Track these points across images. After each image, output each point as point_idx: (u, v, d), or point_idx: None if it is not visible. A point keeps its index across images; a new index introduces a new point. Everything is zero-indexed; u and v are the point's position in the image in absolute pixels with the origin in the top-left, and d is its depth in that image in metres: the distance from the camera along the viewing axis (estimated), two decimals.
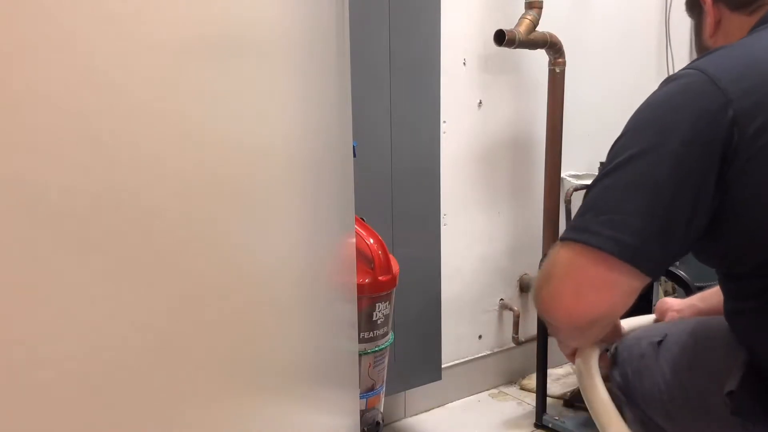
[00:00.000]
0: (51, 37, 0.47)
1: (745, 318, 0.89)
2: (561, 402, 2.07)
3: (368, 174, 1.64)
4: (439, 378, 1.92)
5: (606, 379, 0.96)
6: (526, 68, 2.13)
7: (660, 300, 1.21)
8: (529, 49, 1.98)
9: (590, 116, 2.28)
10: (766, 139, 0.77)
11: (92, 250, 0.50)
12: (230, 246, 0.64)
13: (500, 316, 2.24)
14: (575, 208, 2.12)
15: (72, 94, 0.48)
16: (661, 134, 0.80)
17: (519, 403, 2.15)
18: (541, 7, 1.96)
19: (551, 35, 1.97)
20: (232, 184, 0.64)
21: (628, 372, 1.06)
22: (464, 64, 2.01)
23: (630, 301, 0.83)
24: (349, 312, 1.06)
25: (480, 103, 2.07)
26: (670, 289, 1.89)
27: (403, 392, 1.98)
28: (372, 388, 1.49)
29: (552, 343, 1.78)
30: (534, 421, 1.98)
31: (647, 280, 0.82)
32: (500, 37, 1.87)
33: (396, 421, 2.02)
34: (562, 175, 2.12)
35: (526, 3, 1.96)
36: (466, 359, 2.17)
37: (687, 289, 1.57)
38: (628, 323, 1.10)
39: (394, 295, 1.48)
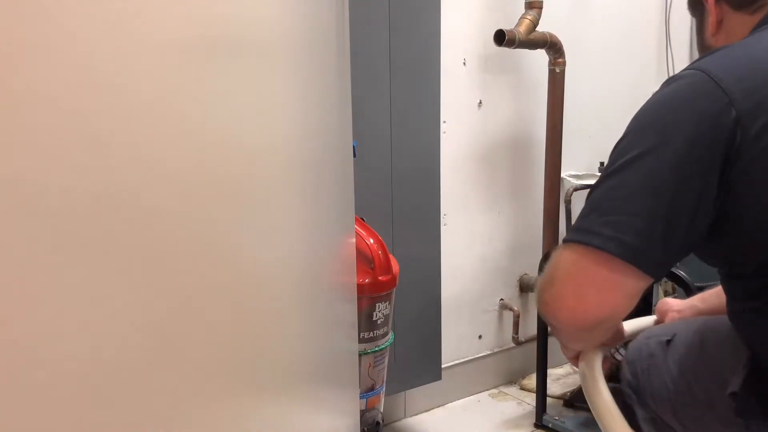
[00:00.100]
0: (51, 37, 0.47)
1: (746, 318, 0.89)
2: (561, 402, 2.07)
3: (368, 174, 1.64)
4: (439, 378, 1.92)
5: (609, 378, 0.96)
6: (526, 68, 2.13)
7: (660, 300, 1.21)
8: (529, 49, 1.98)
9: (590, 116, 2.28)
10: (767, 141, 0.77)
11: (92, 250, 0.50)
12: (230, 246, 0.64)
13: (500, 316, 2.24)
14: (575, 208, 2.12)
15: (72, 94, 0.48)
16: (663, 135, 0.80)
17: (519, 403, 2.15)
18: (541, 7, 1.96)
19: (551, 35, 1.97)
20: (232, 184, 0.64)
21: (638, 371, 1.07)
22: (464, 64, 2.01)
23: (633, 302, 0.83)
24: (349, 312, 1.06)
25: (480, 103, 2.07)
26: (670, 290, 1.89)
27: (403, 392, 1.98)
28: (372, 388, 1.49)
29: (552, 343, 1.78)
30: (534, 421, 1.98)
31: (650, 280, 0.81)
32: (500, 37, 1.87)
33: (396, 421, 2.02)
34: (562, 175, 2.12)
35: (526, 3, 1.96)
36: (466, 359, 2.17)
37: (687, 290, 1.57)
38: (629, 325, 1.11)
39: (394, 295, 1.48)
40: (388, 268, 1.42)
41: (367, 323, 1.42)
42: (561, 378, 2.25)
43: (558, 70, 2.02)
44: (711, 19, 0.96)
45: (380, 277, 1.41)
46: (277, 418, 0.76)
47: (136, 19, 0.53)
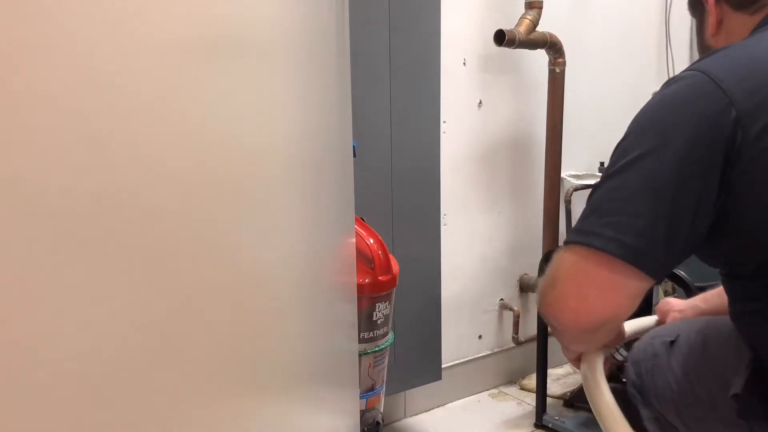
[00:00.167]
0: (51, 37, 0.47)
1: (748, 320, 0.89)
2: (561, 402, 2.07)
3: (368, 174, 1.64)
4: (439, 378, 1.92)
5: (609, 379, 0.96)
6: (526, 68, 2.13)
7: (662, 300, 1.21)
8: (529, 49, 1.98)
9: (590, 116, 2.28)
10: (767, 142, 0.77)
11: (92, 250, 0.50)
12: (230, 246, 0.64)
13: (500, 316, 2.24)
14: (575, 208, 2.12)
15: (72, 94, 0.48)
16: (663, 136, 0.80)
17: (519, 403, 2.15)
18: (541, 7, 1.96)
19: (551, 35, 1.97)
20: (232, 184, 0.64)
21: (642, 371, 1.07)
22: (464, 64, 2.01)
23: (635, 303, 0.83)
24: (349, 312, 1.06)
25: (480, 103, 2.07)
26: (670, 289, 1.90)
27: (403, 392, 1.98)
28: (372, 388, 1.49)
29: (552, 343, 1.78)
30: (534, 421, 1.98)
31: (651, 281, 0.81)
32: (500, 37, 1.87)
33: (396, 421, 2.02)
34: (562, 175, 2.12)
35: (526, 3, 1.96)
36: (466, 359, 2.17)
37: (687, 290, 1.57)
38: (629, 326, 1.10)
39: (394, 295, 1.48)
40: (388, 268, 1.42)
41: (367, 323, 1.42)
42: (561, 378, 2.25)
43: (558, 70, 2.02)
44: (711, 20, 0.96)
45: (380, 277, 1.41)
46: (277, 418, 0.76)
47: (136, 19, 0.53)
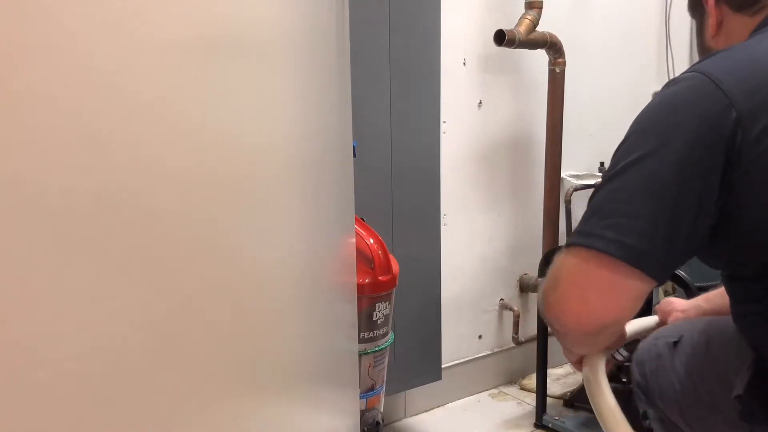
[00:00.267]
0: (51, 37, 0.47)
1: (749, 321, 0.89)
2: (561, 402, 2.07)
3: (368, 174, 1.64)
4: (439, 378, 1.92)
5: (610, 379, 0.96)
6: (526, 68, 2.13)
7: (664, 300, 1.21)
8: (529, 49, 1.98)
9: (590, 116, 2.28)
10: (767, 143, 0.77)
11: (92, 251, 0.50)
12: (230, 246, 0.64)
13: (500, 316, 2.24)
14: (575, 208, 2.12)
15: (72, 94, 0.48)
16: (664, 137, 0.80)
17: (519, 403, 2.15)
18: (541, 7, 1.96)
19: (551, 35, 1.97)
20: (232, 184, 0.64)
21: (646, 371, 1.08)
22: (464, 64, 2.01)
23: (638, 305, 0.83)
24: (349, 312, 1.06)
25: (480, 103, 2.07)
26: (670, 289, 1.90)
27: (403, 392, 1.98)
28: (372, 388, 1.49)
29: (552, 343, 1.78)
30: (534, 421, 1.98)
31: (653, 283, 0.81)
32: (500, 37, 1.87)
33: (396, 421, 2.02)
34: (562, 175, 2.12)
35: (526, 3, 1.96)
36: (466, 359, 2.17)
37: (687, 290, 1.57)
38: (630, 326, 1.10)
39: (394, 295, 1.48)
40: (388, 268, 1.42)
41: (367, 323, 1.42)
42: (561, 378, 2.25)
43: (558, 70, 2.02)
44: (711, 21, 0.96)
45: (380, 277, 1.41)
46: (277, 418, 0.76)
47: (136, 19, 0.53)
